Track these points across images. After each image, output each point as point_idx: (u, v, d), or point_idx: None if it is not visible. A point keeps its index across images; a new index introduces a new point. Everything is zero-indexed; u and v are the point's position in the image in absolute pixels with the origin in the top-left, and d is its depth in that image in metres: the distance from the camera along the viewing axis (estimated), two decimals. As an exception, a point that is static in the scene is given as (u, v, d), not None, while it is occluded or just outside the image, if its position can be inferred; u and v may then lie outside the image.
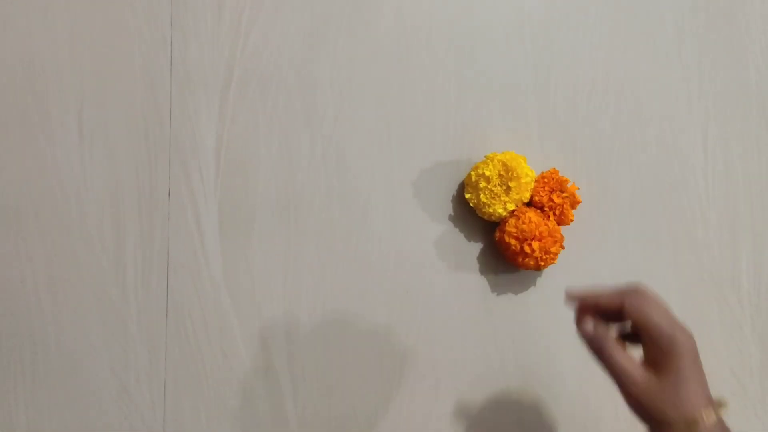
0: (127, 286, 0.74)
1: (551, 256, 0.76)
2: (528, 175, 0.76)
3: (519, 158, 0.76)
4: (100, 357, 0.74)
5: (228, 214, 0.76)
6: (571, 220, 0.78)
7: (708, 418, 0.50)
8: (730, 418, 0.51)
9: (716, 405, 0.52)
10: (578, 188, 0.80)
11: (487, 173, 0.75)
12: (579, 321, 0.57)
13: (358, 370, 0.78)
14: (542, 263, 0.76)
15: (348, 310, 0.78)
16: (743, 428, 0.83)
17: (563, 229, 0.79)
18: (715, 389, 0.51)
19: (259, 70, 0.76)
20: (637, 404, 0.52)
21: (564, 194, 0.77)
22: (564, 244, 0.78)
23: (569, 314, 0.82)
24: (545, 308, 0.82)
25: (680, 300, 0.83)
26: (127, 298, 0.74)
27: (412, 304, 0.79)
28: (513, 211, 0.77)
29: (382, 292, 0.79)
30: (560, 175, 0.78)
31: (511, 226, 0.75)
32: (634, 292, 0.54)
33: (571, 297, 0.59)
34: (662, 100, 0.84)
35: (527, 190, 0.76)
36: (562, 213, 0.77)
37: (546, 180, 0.77)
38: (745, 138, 0.86)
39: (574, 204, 0.78)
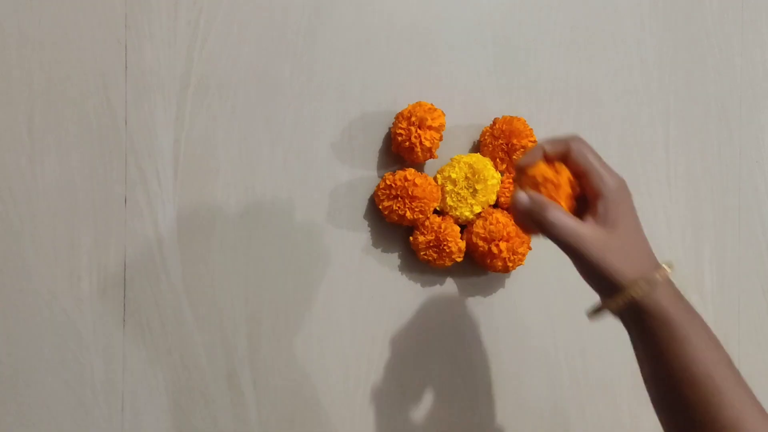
0: (81, 295, 0.72)
1: (519, 256, 0.75)
2: (494, 177, 0.76)
3: (485, 160, 0.76)
4: (53, 370, 0.72)
5: (187, 219, 0.74)
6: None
7: (663, 274, 0.49)
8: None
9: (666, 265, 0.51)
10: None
11: (454, 176, 0.75)
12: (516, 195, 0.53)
13: (323, 377, 0.77)
14: (510, 264, 0.75)
15: (312, 316, 0.77)
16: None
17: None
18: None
19: (218, 72, 0.74)
20: (590, 265, 0.50)
21: (529, 195, 0.77)
22: (531, 245, 0.78)
23: (539, 317, 0.82)
24: (514, 311, 0.81)
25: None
26: (81, 308, 0.72)
27: (377, 309, 0.78)
28: (479, 213, 0.76)
29: (347, 297, 0.78)
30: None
31: (478, 227, 0.75)
32: (578, 138, 0.52)
33: (517, 167, 0.54)
34: (623, 100, 0.85)
35: (493, 192, 0.76)
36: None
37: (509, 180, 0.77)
38: (705, 137, 0.87)
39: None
